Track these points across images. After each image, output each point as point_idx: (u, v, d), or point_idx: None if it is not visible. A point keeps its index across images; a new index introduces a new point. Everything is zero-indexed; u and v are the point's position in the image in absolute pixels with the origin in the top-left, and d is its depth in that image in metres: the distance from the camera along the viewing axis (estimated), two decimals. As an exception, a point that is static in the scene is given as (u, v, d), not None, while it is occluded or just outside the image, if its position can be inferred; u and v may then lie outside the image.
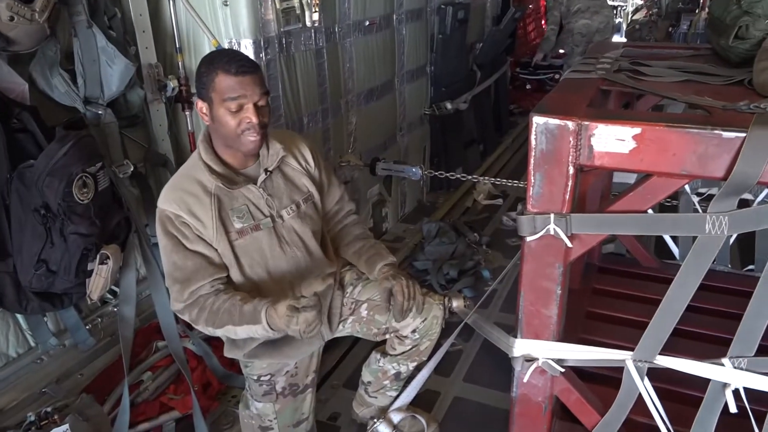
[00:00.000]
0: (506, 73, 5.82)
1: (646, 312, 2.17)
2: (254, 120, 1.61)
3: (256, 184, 1.73)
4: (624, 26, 10.08)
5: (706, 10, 2.24)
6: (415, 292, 1.79)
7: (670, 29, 7.56)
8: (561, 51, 6.86)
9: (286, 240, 1.78)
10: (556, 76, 6.91)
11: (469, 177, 3.19)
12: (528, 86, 7.15)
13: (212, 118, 1.64)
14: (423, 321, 1.89)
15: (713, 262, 2.43)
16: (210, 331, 1.69)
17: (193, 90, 2.51)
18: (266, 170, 1.75)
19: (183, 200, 1.64)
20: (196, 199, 1.65)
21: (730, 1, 1.84)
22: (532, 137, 1.41)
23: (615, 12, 10.19)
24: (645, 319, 2.11)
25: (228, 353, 1.85)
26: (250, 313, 1.61)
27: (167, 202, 1.66)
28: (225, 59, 1.61)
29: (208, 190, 1.67)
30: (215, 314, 1.64)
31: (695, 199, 2.66)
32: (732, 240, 2.57)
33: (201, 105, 1.66)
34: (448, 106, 4.20)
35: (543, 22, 8.59)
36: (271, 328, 1.59)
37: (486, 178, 3.38)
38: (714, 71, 1.81)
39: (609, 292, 2.42)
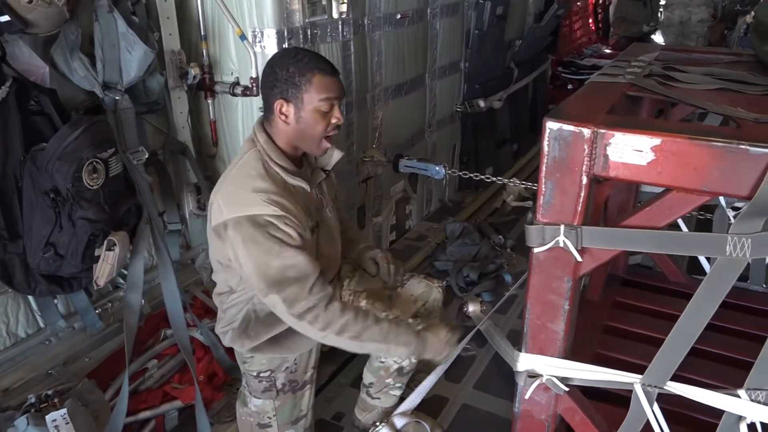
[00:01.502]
0: (546, 72, 5.66)
1: (667, 329, 2.08)
2: (342, 119, 1.66)
3: (310, 183, 1.74)
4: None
5: (752, 13, 2.10)
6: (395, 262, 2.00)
7: (726, 31, 7.26)
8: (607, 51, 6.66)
9: (333, 235, 1.83)
10: (600, 77, 6.70)
11: (495, 179, 3.09)
12: (569, 86, 6.95)
13: (297, 119, 1.62)
14: (424, 305, 1.85)
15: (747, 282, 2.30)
16: (336, 339, 1.62)
17: (218, 78, 2.52)
18: (324, 170, 1.81)
19: (278, 202, 1.56)
20: (288, 198, 1.59)
21: (776, 5, 1.72)
22: (545, 143, 1.34)
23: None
24: (665, 337, 2.03)
25: (233, 343, 1.81)
26: (405, 334, 1.69)
27: (260, 205, 1.54)
28: (314, 58, 1.62)
29: (291, 189, 1.64)
30: (353, 324, 1.61)
31: (731, 213, 2.51)
32: (769, 258, 2.42)
33: (283, 105, 1.61)
34: (481, 104, 4.09)
35: (590, 20, 8.35)
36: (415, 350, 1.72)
37: (513, 180, 3.28)
38: (753, 80, 1.69)
39: (631, 306, 2.32)
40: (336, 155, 1.80)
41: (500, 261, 3.31)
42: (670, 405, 1.48)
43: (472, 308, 2.09)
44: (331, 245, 1.82)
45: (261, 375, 1.82)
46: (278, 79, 1.61)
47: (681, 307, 2.25)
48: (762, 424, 1.33)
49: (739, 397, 1.33)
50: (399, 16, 3.11)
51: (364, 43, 2.90)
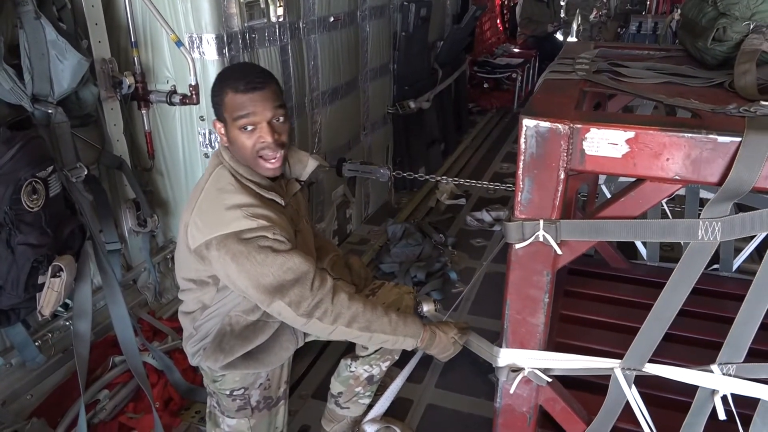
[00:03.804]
0: (465, 71, 5.80)
1: (620, 314, 2.19)
2: (268, 139, 1.51)
3: (285, 195, 1.67)
4: (575, 27, 10.27)
5: (678, 11, 2.23)
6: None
7: (619, 30, 7.74)
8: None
9: (308, 245, 1.80)
10: (513, 75, 6.96)
11: (437, 178, 3.13)
12: (485, 85, 7.17)
13: (229, 138, 1.56)
14: (396, 311, 1.84)
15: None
16: (346, 331, 1.58)
17: (152, 87, 2.39)
18: (299, 181, 1.76)
19: (260, 214, 1.50)
20: (270, 209, 1.54)
21: (704, 3, 1.83)
22: (522, 140, 1.36)
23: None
24: (620, 322, 2.12)
25: (205, 362, 1.71)
26: (412, 326, 1.67)
27: (242, 220, 1.47)
28: (236, 75, 1.54)
29: (267, 202, 1.57)
30: (362, 315, 1.58)
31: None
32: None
33: (218, 125, 1.59)
34: (412, 104, 4.13)
35: (498, 21, 8.65)
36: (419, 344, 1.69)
37: (452, 178, 3.33)
38: (692, 73, 1.80)
39: (581, 294, 2.41)
40: (311, 164, 1.75)
41: (444, 259, 3.36)
42: (645, 387, 1.54)
43: (426, 308, 2.09)
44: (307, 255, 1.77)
45: (234, 393, 1.74)
46: (211, 98, 1.60)
47: (627, 291, 2.39)
48: (732, 395, 1.42)
49: (712, 372, 1.41)
50: (332, 19, 3.08)
51: (301, 47, 2.84)
